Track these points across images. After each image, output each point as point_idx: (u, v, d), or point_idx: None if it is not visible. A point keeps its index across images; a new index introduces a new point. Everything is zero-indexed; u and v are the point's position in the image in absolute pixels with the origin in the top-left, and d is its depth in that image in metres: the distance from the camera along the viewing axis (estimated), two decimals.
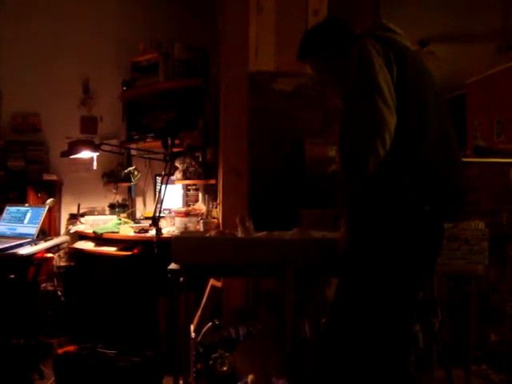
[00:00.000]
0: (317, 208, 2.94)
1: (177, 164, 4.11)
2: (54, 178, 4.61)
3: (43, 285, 4.11)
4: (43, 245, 3.40)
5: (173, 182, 4.16)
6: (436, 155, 1.85)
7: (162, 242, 3.05)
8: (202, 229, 3.48)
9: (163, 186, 3.17)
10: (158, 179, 4.50)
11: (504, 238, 3.18)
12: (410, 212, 1.81)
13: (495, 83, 6.54)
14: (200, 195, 4.33)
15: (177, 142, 4.10)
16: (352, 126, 1.80)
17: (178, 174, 4.13)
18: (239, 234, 2.45)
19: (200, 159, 4.13)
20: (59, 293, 4.10)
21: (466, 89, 7.21)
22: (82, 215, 4.44)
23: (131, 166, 4.54)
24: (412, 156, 1.82)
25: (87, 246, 4.00)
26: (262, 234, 2.43)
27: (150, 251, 3.16)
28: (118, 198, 4.74)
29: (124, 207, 4.62)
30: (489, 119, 6.66)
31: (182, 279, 2.42)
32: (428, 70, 1.98)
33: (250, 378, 2.57)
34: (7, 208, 3.73)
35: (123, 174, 4.56)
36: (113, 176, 4.67)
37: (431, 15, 5.02)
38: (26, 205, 3.81)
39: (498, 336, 3.22)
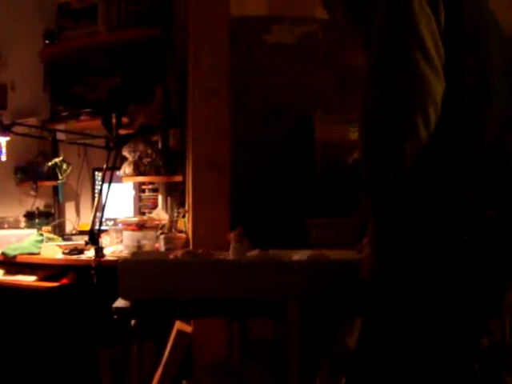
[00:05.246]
0: (331, 216, 2.95)
1: (125, 153, 4.10)
2: None
3: None
4: None
5: (120, 180, 4.15)
6: (503, 137, 1.85)
7: (103, 267, 3.04)
8: (162, 248, 3.47)
9: (105, 186, 3.16)
10: (98, 175, 4.48)
11: None
12: (466, 220, 1.82)
13: None
14: (160, 199, 4.32)
15: (125, 120, 4.09)
16: (380, 97, 1.80)
17: (126, 168, 4.12)
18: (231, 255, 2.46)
19: (159, 146, 4.12)
20: None
21: None
22: None
23: (58, 157, 4.52)
24: (468, 139, 1.81)
25: None
26: (253, 253, 2.43)
27: (87, 281, 3.16)
28: (39, 204, 4.72)
29: (48, 217, 4.60)
30: None
31: (133, 322, 2.42)
32: (492, 13, 1.98)
33: None
34: None
35: (46, 169, 4.54)
36: (31, 171, 4.65)
37: None
38: None
39: None
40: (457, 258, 1.83)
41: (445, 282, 1.84)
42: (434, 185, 1.83)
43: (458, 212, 1.81)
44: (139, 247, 3.65)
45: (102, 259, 3.17)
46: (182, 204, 4.07)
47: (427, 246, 1.84)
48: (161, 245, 3.54)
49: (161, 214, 4.04)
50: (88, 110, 4.31)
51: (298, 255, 2.41)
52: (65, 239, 4.28)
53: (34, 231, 4.24)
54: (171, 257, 2.54)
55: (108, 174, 3.21)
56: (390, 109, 1.77)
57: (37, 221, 4.52)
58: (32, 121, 4.40)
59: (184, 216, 3.87)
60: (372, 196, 1.86)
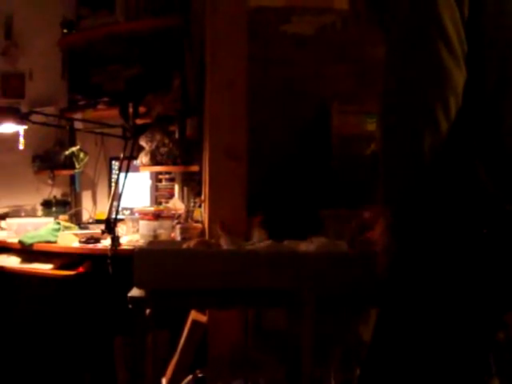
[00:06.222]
0: (347, 207, 2.95)
1: (142, 143, 4.11)
2: None
3: None
4: None
5: (136, 169, 4.16)
6: None
7: (119, 256, 3.05)
8: (178, 238, 3.47)
9: (122, 175, 3.17)
10: (115, 165, 4.50)
11: None
12: (486, 213, 1.81)
13: None
14: (176, 188, 4.33)
15: (142, 109, 4.09)
16: (400, 87, 1.79)
17: (143, 158, 4.13)
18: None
19: (176, 135, 4.13)
20: None
21: None
22: (3, 217, 4.44)
23: (75, 146, 4.54)
24: (488, 131, 1.80)
25: (10, 261, 3.99)
26: (266, 243, 2.43)
27: (103, 270, 3.16)
28: (56, 193, 4.75)
29: (64, 205, 4.63)
30: None
31: (148, 311, 2.43)
32: None
33: None
34: None
35: (63, 157, 4.56)
36: (48, 160, 4.67)
37: None
38: None
39: None
40: (476, 252, 1.83)
41: (463, 275, 1.83)
42: (453, 177, 1.82)
43: (478, 205, 1.80)
44: (155, 237, 3.65)
45: (118, 248, 3.18)
46: (198, 194, 4.07)
47: (446, 239, 1.84)
48: (177, 234, 3.54)
49: (177, 204, 4.04)
50: (105, 99, 4.33)
51: (313, 244, 2.41)
52: (81, 228, 4.30)
53: (50, 220, 4.26)
54: (186, 246, 2.55)
55: (125, 163, 3.22)
56: (410, 99, 1.76)
57: (54, 209, 4.55)
58: (50, 110, 4.41)
59: (200, 206, 3.88)
60: (390, 188, 1.86)
